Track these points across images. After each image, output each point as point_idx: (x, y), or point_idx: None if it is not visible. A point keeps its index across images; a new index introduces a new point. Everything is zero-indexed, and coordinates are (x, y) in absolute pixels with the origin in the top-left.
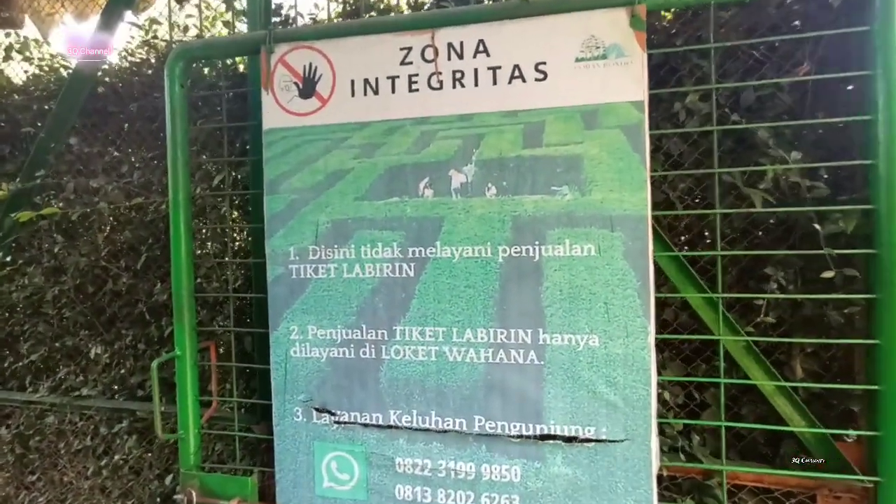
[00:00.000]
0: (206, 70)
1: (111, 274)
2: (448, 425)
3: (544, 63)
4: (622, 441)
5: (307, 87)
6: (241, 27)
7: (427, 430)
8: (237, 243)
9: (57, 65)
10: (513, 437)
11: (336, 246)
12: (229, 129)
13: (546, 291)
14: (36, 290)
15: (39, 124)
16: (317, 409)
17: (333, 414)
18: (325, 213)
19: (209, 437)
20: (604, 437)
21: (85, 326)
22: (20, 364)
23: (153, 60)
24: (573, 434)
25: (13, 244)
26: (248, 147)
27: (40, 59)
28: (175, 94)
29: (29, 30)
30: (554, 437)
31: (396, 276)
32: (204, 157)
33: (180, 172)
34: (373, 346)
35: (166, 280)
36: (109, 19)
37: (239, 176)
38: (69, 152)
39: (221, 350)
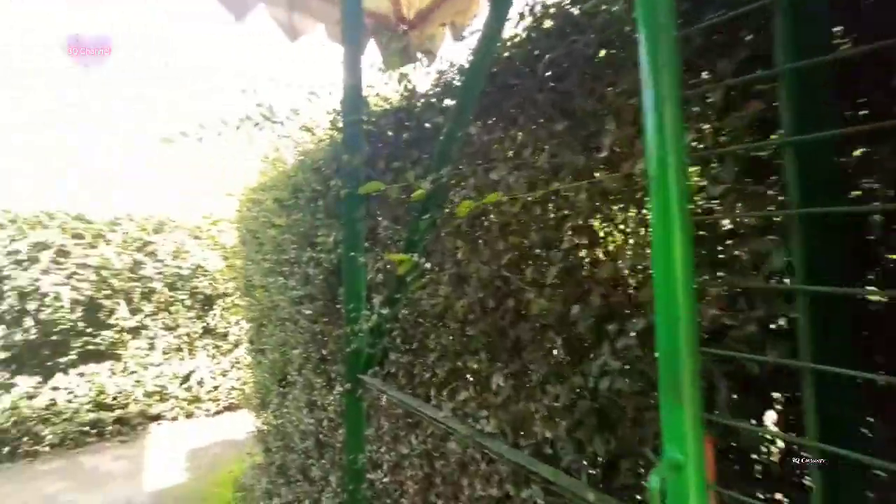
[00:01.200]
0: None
1: (512, 288)
2: None
3: None
4: None
5: None
6: None
7: None
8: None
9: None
10: None
11: None
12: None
13: None
14: (441, 300)
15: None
16: None
17: None
18: None
19: None
20: None
21: (486, 348)
22: (427, 375)
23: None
24: None
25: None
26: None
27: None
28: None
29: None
30: None
31: None
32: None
33: (670, 134)
34: None
35: (586, 301)
36: (493, 23)
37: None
38: (470, 143)
39: None
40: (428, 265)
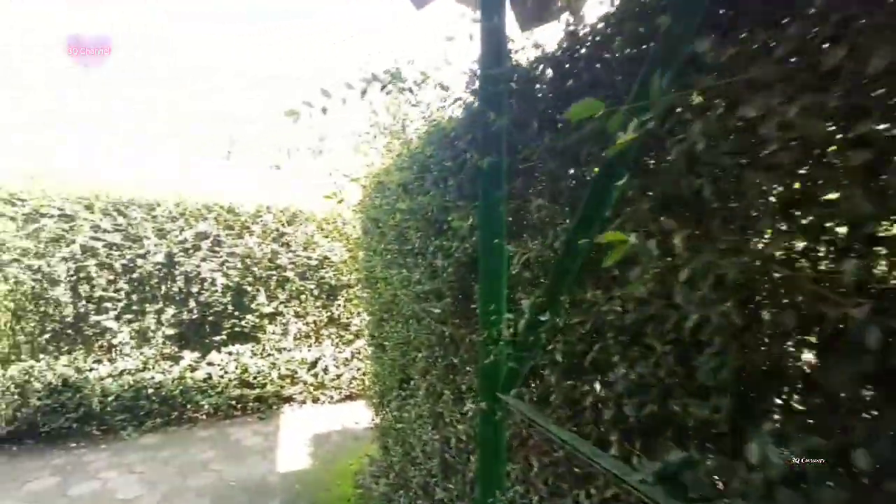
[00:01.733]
0: None
1: (801, 298)
2: None
3: None
4: None
5: None
6: None
7: None
8: None
9: None
10: None
11: None
12: None
13: None
14: (636, 307)
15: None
16: None
17: None
18: None
19: None
20: None
21: (729, 391)
22: (607, 413)
23: None
24: None
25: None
26: None
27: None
28: None
29: None
30: None
31: None
32: None
33: None
34: None
35: None
36: None
37: None
38: (690, 70)
39: None
40: (655, 251)
